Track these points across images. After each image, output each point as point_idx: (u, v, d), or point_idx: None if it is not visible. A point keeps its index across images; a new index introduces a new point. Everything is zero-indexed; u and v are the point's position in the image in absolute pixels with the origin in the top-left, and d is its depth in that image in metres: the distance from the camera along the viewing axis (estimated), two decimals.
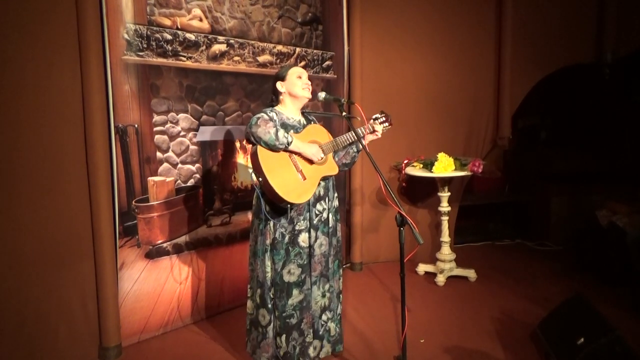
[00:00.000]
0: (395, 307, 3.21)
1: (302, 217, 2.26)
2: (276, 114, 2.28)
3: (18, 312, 2.31)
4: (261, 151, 2.13)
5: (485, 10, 4.19)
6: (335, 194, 2.44)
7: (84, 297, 2.57)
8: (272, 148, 2.13)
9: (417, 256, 3.88)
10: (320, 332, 2.36)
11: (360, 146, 2.41)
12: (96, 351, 2.63)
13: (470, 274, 3.74)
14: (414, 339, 2.73)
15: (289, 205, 2.17)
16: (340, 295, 2.50)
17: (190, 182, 2.99)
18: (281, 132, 2.12)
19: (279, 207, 2.21)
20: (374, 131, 2.40)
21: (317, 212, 2.30)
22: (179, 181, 2.93)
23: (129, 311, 2.75)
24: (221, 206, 3.16)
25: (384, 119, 2.46)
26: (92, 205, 2.53)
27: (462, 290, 3.55)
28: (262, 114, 2.23)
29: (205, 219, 3.08)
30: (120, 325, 2.68)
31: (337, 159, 2.42)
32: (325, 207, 2.34)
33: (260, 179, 2.12)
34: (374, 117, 2.47)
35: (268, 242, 2.24)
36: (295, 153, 2.20)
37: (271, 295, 2.26)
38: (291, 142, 2.14)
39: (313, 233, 2.29)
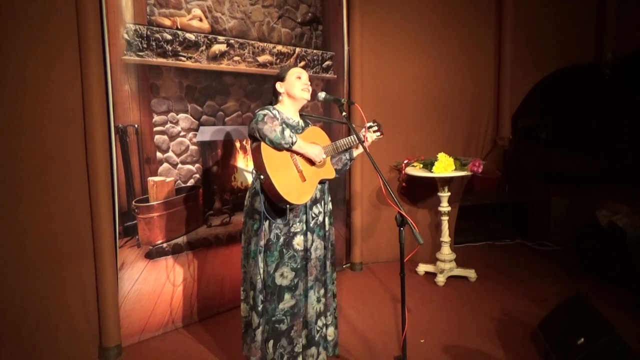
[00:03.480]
0: (395, 307, 3.21)
1: (298, 220, 2.23)
2: (278, 113, 2.27)
3: (18, 312, 2.31)
4: (265, 149, 2.10)
5: (485, 10, 4.19)
6: (329, 198, 2.42)
7: (84, 297, 2.57)
8: (277, 146, 2.10)
9: (417, 256, 3.88)
10: (316, 339, 2.31)
11: (354, 154, 2.43)
12: (96, 351, 2.63)
13: (470, 274, 3.74)
14: (414, 339, 2.73)
15: (287, 206, 2.15)
16: (335, 299, 2.48)
17: (190, 182, 2.99)
18: (287, 131, 2.09)
19: (277, 207, 2.19)
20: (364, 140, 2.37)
21: (313, 215, 2.28)
22: (179, 181, 2.93)
23: (129, 311, 2.75)
24: (221, 206, 3.16)
25: (376, 128, 2.43)
26: (92, 205, 2.53)
27: (462, 290, 3.55)
28: (267, 111, 2.20)
29: (205, 219, 3.08)
30: (120, 325, 2.68)
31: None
32: (321, 210, 2.32)
33: (262, 177, 2.10)
34: (367, 125, 2.43)
35: (262, 243, 2.19)
36: (298, 153, 2.19)
37: (262, 298, 2.20)
38: (296, 142, 2.12)
39: (309, 236, 2.26)
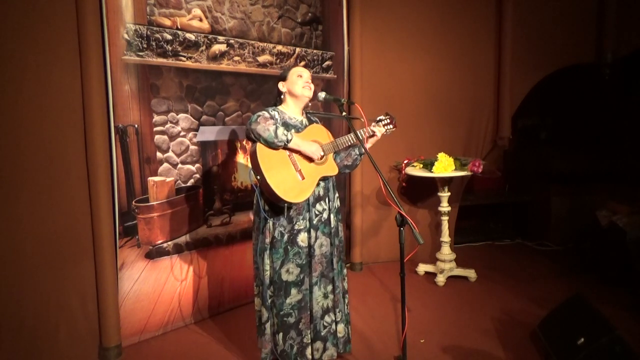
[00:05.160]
0: (395, 307, 3.21)
1: (301, 217, 2.25)
2: (278, 113, 2.29)
3: (18, 312, 2.31)
4: (260, 149, 2.13)
5: (485, 10, 4.19)
6: (336, 195, 2.43)
7: (84, 297, 2.57)
8: (271, 145, 2.13)
9: (417, 256, 3.88)
10: (323, 334, 2.34)
11: (363, 149, 2.42)
12: (96, 351, 2.63)
13: (470, 274, 3.74)
14: (414, 339, 2.73)
15: (286, 204, 2.18)
16: (346, 295, 2.48)
17: (190, 182, 2.99)
18: (280, 130, 2.12)
19: (277, 206, 2.21)
20: (373, 135, 2.38)
21: (317, 212, 2.30)
22: (179, 181, 2.93)
23: (129, 311, 2.75)
24: (221, 206, 3.16)
25: (388, 121, 2.43)
26: (92, 205, 2.53)
27: (462, 290, 3.55)
28: (264, 111, 2.24)
29: (205, 219, 3.08)
30: (120, 325, 2.68)
31: (338, 160, 2.41)
32: (326, 207, 2.34)
33: (259, 177, 2.13)
34: (377, 118, 2.44)
35: (267, 240, 2.24)
36: (295, 151, 2.20)
37: (270, 294, 2.26)
38: (290, 139, 2.14)
39: (313, 233, 2.28)
